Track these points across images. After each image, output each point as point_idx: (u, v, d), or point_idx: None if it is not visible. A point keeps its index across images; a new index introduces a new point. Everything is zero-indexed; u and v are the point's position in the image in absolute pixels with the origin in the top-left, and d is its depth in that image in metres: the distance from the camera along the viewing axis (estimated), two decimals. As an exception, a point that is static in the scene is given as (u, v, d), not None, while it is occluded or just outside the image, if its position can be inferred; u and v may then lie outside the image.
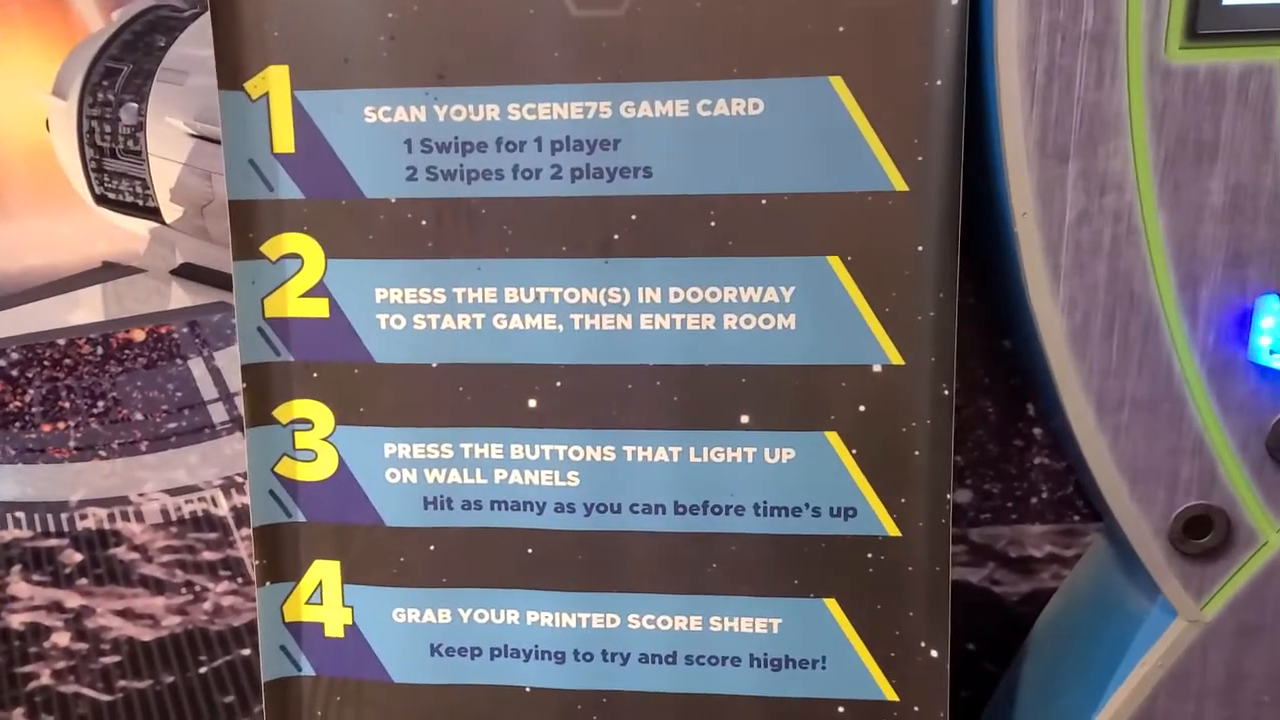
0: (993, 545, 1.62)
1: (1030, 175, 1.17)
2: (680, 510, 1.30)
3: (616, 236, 1.25)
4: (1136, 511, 1.27)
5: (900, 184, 1.21)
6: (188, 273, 1.64)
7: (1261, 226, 1.17)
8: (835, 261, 1.24)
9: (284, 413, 1.33)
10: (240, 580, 1.71)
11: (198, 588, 1.72)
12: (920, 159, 1.20)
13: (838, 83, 1.19)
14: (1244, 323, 1.20)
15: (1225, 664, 1.31)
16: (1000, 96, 1.15)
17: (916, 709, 1.32)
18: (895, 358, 1.25)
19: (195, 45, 1.56)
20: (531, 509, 1.32)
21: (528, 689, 1.37)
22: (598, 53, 1.21)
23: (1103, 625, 1.47)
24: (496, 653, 1.36)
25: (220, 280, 1.61)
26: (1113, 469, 1.26)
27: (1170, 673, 1.32)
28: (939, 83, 1.18)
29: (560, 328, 1.27)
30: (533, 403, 1.29)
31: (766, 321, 1.26)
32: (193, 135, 1.59)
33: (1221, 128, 1.14)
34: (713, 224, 1.24)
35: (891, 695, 1.33)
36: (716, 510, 1.30)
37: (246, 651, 1.74)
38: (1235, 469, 1.24)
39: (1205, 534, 1.27)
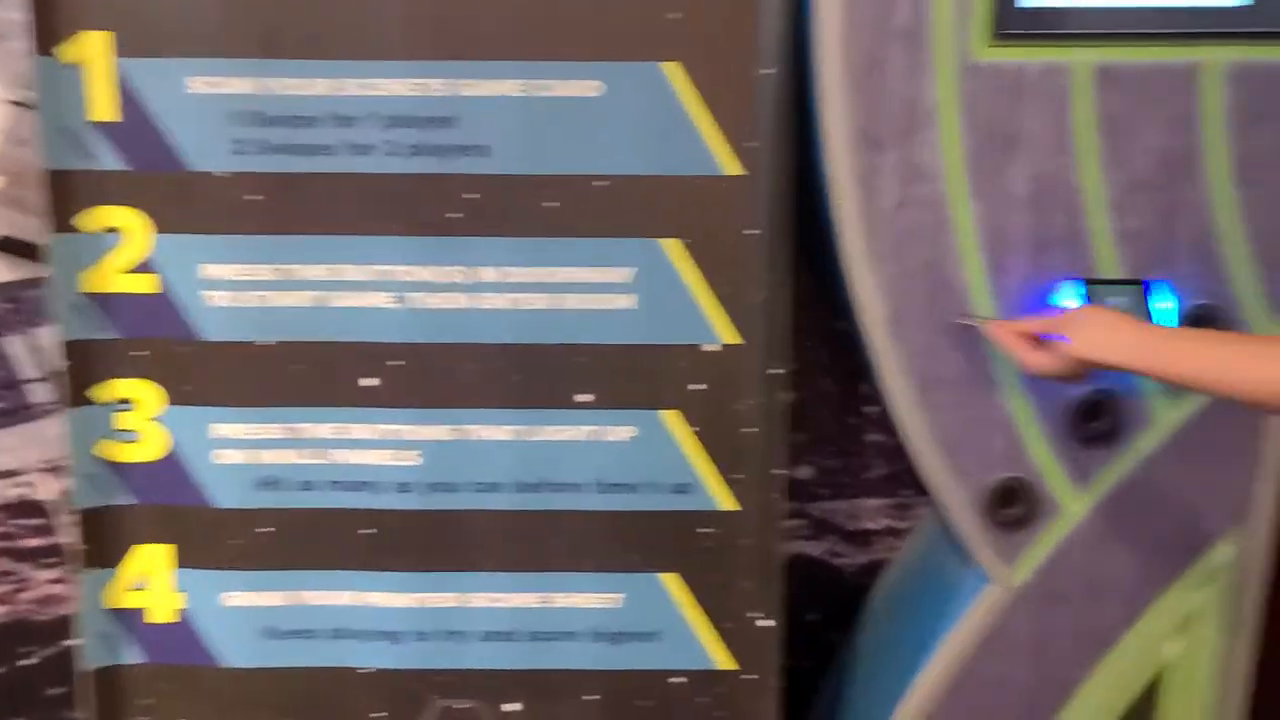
0: (832, 519, 1.71)
1: (849, 163, 1.25)
2: (521, 489, 1.35)
3: (453, 215, 1.28)
4: (952, 484, 1.38)
5: (735, 169, 1.27)
6: (7, 246, 1.58)
7: (1061, 216, 1.27)
8: (673, 244, 1.30)
9: (106, 392, 1.31)
10: (67, 567, 1.67)
11: (21, 576, 1.67)
12: (754, 144, 1.26)
13: (673, 68, 1.25)
14: (1047, 306, 1.31)
15: (1032, 626, 1.43)
16: (822, 86, 1.23)
17: (752, 677, 1.40)
18: (731, 337, 1.32)
19: (15, 8, 1.50)
20: (369, 489, 1.34)
21: (365, 670, 1.39)
22: (432, 29, 1.23)
23: (928, 593, 1.58)
24: (333, 635, 1.38)
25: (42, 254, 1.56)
26: (930, 444, 1.36)
27: (983, 637, 1.44)
28: (770, 71, 1.24)
29: (396, 306, 1.29)
30: (369, 382, 1.31)
31: (606, 302, 1.31)
32: (13, 102, 1.53)
33: (1024, 123, 1.24)
34: (551, 204, 1.28)
35: (728, 664, 1.40)
36: (557, 488, 1.35)
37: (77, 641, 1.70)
38: (1039, 443, 1.35)
39: (1014, 504, 1.38)
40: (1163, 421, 1.35)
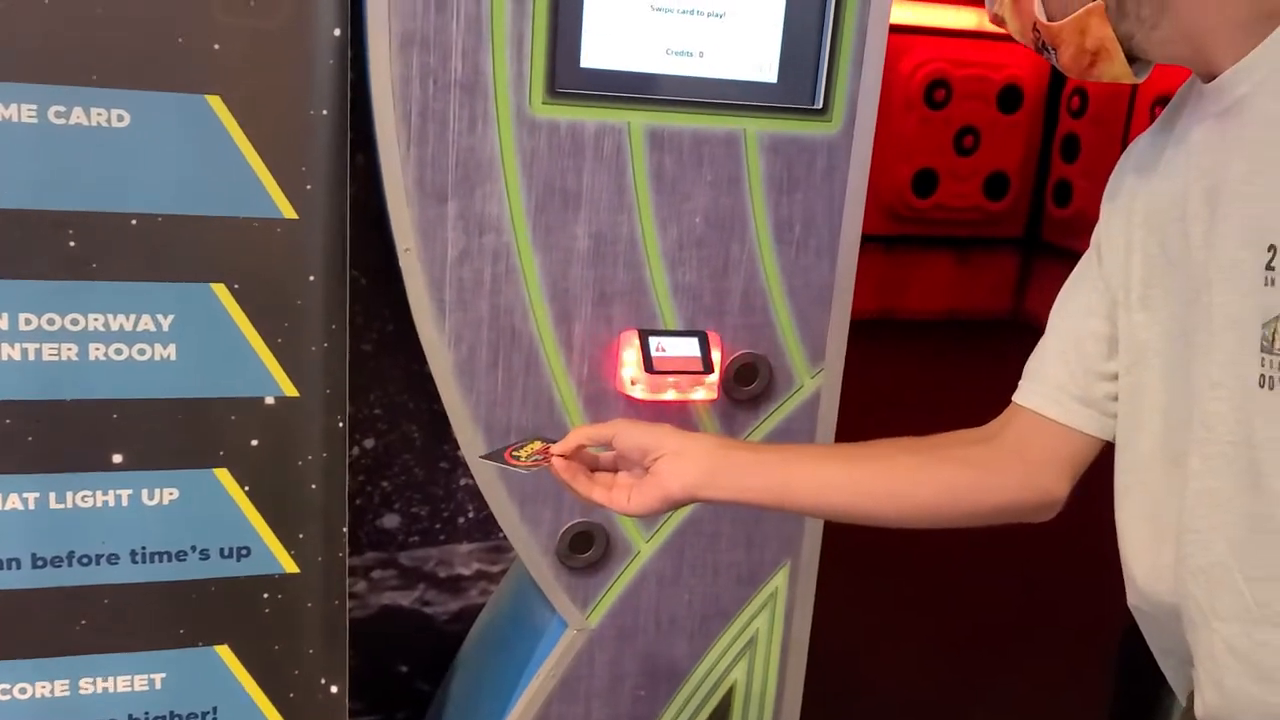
0: (422, 567, 1.74)
1: (411, 213, 1.28)
2: (39, 563, 1.24)
3: (-52, 253, 1.16)
4: (526, 532, 1.45)
5: (289, 212, 1.26)
6: None
7: (621, 270, 1.38)
8: (220, 289, 1.26)
9: None
10: None
11: None
12: (309, 187, 1.25)
13: (215, 102, 1.21)
14: (612, 356, 1.42)
15: (608, 666, 1.54)
16: (378, 134, 1.25)
17: (317, 747, 1.39)
18: (289, 389, 1.30)
19: None
20: None
21: None
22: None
23: (515, 637, 1.65)
24: None
25: None
26: (503, 494, 1.42)
27: (562, 679, 1.53)
28: (324, 112, 1.24)
29: (-127, 358, 1.15)
30: None
31: (141, 352, 1.24)
32: None
33: (583, 179, 1.33)
34: (72, 244, 1.19)
35: (292, 737, 1.38)
36: (85, 561, 1.26)
37: None
38: (607, 489, 1.46)
39: (587, 549, 1.48)
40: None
